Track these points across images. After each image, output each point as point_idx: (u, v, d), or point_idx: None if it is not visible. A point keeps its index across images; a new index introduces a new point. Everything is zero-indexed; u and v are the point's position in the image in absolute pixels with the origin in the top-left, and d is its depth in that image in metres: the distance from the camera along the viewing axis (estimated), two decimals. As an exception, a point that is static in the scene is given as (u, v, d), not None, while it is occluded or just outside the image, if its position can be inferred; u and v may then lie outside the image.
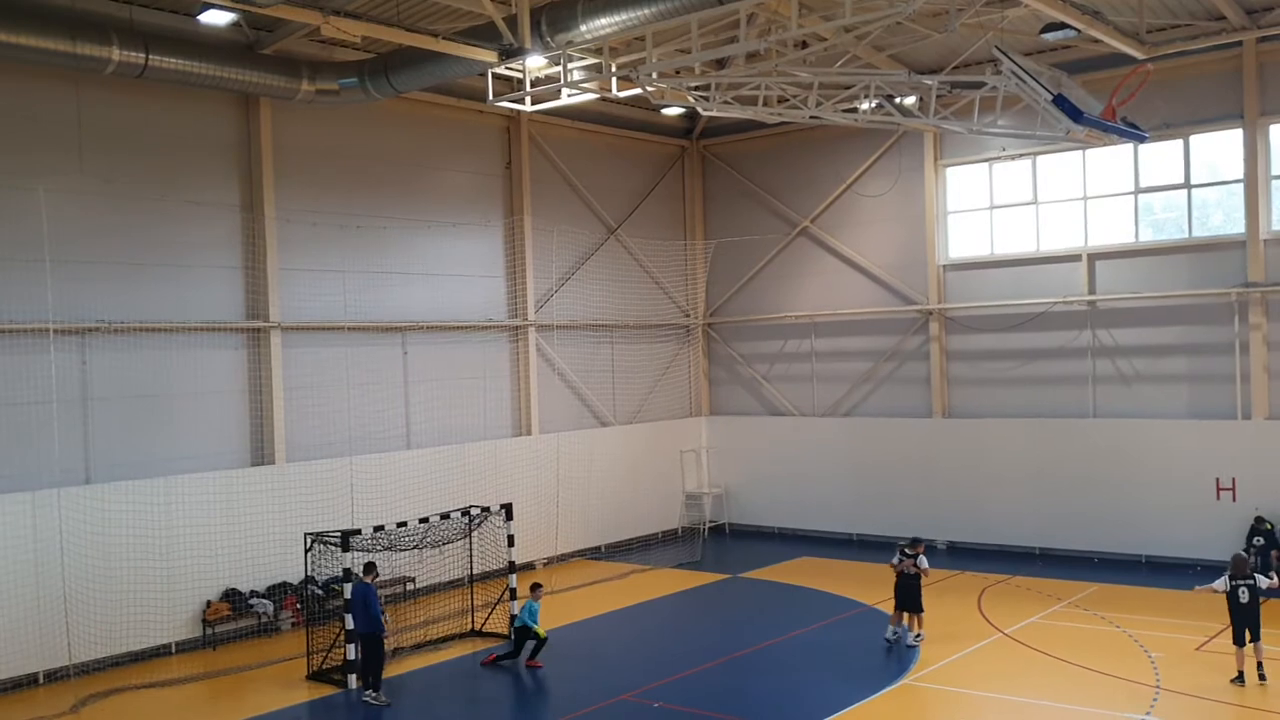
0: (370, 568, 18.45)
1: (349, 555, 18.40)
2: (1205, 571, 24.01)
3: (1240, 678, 16.85)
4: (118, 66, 18.93)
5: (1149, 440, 25.70)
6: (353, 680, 18.32)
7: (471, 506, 21.33)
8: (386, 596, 20.94)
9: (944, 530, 28.55)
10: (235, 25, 21.19)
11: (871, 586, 24.07)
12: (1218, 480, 24.80)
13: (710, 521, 32.03)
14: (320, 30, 18.81)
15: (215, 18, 20.34)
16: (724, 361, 33.30)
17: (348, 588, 18.31)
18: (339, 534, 18.68)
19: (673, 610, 23.50)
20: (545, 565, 27.53)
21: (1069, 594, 22.95)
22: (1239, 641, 16.94)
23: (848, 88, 21.65)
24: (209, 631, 21.16)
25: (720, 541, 30.79)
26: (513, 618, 20.17)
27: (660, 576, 26.52)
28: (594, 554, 29.09)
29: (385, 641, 18.47)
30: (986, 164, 28.35)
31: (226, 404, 22.32)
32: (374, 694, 17.80)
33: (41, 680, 18.94)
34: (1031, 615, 21.38)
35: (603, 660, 19.90)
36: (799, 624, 21.58)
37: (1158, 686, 16.92)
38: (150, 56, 19.16)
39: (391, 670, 19.34)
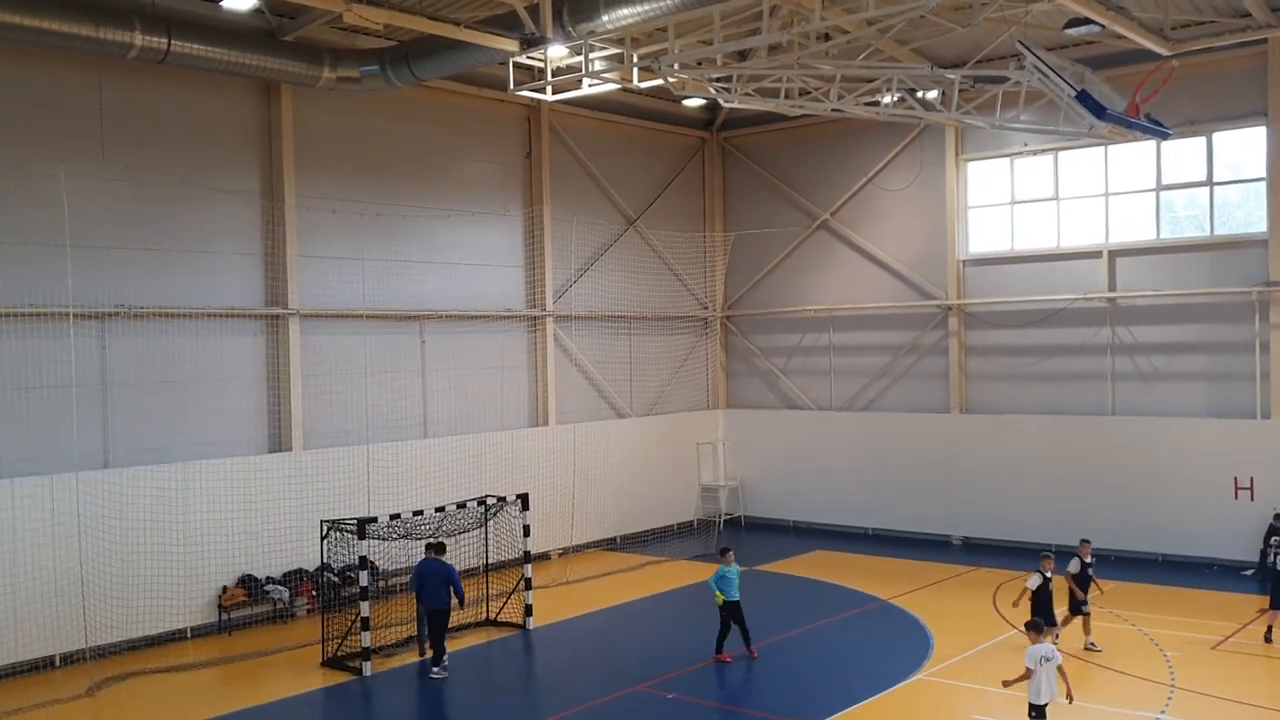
0: (437, 547, 18.98)
1: (365, 543, 18.45)
2: (1222, 571, 24.03)
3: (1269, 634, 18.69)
4: (140, 52, 18.97)
5: (1168, 438, 25.58)
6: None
7: (488, 496, 21.39)
8: (403, 585, 20.97)
9: (960, 526, 28.51)
10: (257, 11, 21.20)
11: (887, 581, 24.07)
12: (1236, 479, 24.66)
13: (726, 514, 32.02)
14: (342, 17, 18.81)
15: (237, 3, 20.33)
16: (741, 354, 33.26)
17: (364, 575, 18.43)
18: (355, 521, 18.72)
19: (688, 602, 23.46)
20: (561, 555, 27.58)
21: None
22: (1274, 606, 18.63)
23: (870, 81, 21.57)
24: (224, 617, 21.26)
25: (736, 534, 30.75)
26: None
27: (675, 568, 26.52)
28: (609, 545, 29.10)
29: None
30: (1008, 159, 28.23)
31: (244, 390, 22.39)
32: (437, 668, 18.35)
33: (58, 663, 19.05)
34: (1047, 612, 21.31)
35: (618, 651, 19.93)
36: (813, 618, 21.56)
37: (1173, 685, 16.85)
38: (172, 42, 19.20)
39: (405, 659, 19.47)
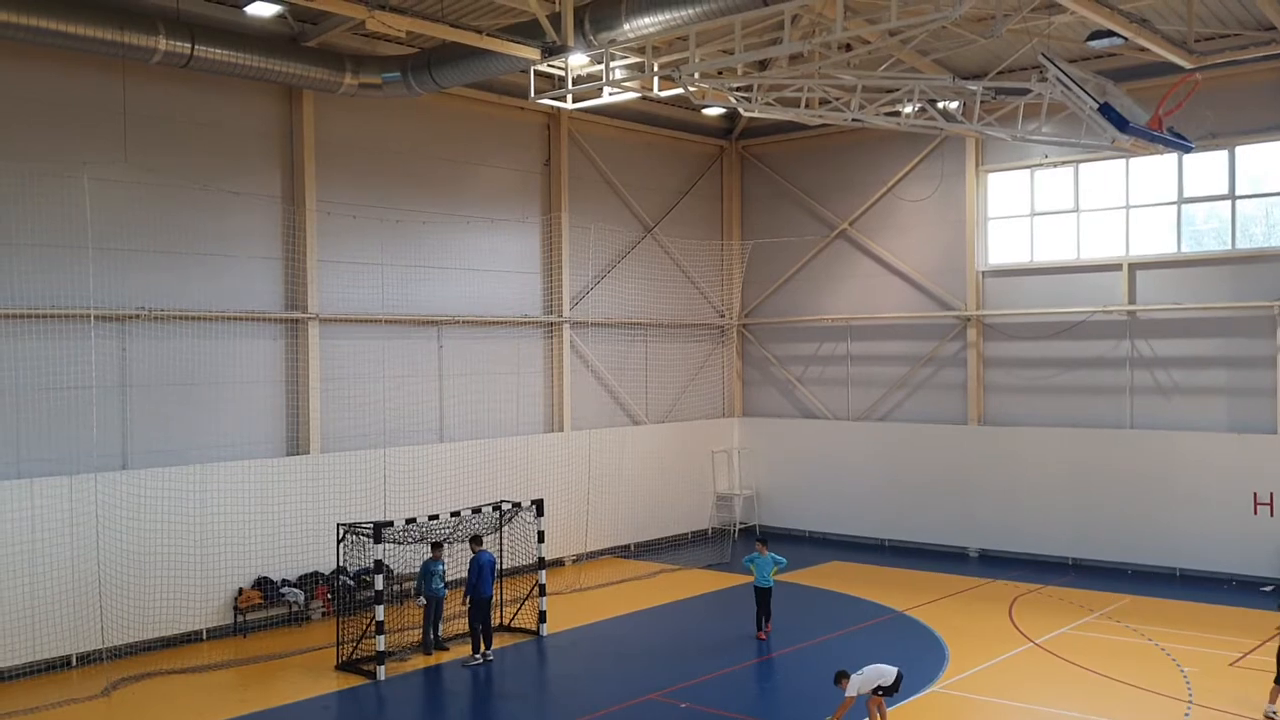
0: (477, 539, 19.88)
1: (380, 546, 18.51)
2: (1240, 587, 23.89)
3: None
4: (164, 56, 19.08)
5: (1186, 453, 25.45)
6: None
7: (503, 501, 21.40)
8: (412, 589, 21.04)
9: (976, 538, 28.41)
10: (280, 17, 21.31)
11: (902, 592, 24.01)
12: (1255, 495, 24.51)
13: (741, 523, 31.98)
14: (365, 24, 18.85)
15: (261, 9, 20.46)
16: (758, 363, 33.23)
17: (379, 579, 18.49)
18: (371, 525, 18.79)
19: (701, 611, 23.47)
20: (575, 562, 27.59)
21: (1101, 605, 22.77)
22: None
23: (891, 91, 21.55)
24: (240, 619, 21.32)
25: (750, 543, 30.62)
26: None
27: (689, 577, 26.51)
28: (623, 552, 29.10)
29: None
30: (1028, 170, 28.16)
31: (263, 393, 22.47)
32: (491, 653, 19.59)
33: (74, 663, 19.13)
34: (1063, 625, 21.23)
35: (630, 659, 19.91)
36: (828, 628, 21.50)
37: (1190, 701, 16.76)
38: (196, 47, 19.30)
39: (420, 664, 19.52)
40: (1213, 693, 17.08)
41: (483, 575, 19.54)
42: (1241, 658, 18.93)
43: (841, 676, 15.16)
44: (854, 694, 14.91)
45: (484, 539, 20.12)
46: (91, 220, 19.43)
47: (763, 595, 20.98)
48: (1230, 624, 21.09)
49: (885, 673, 15.09)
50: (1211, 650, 19.41)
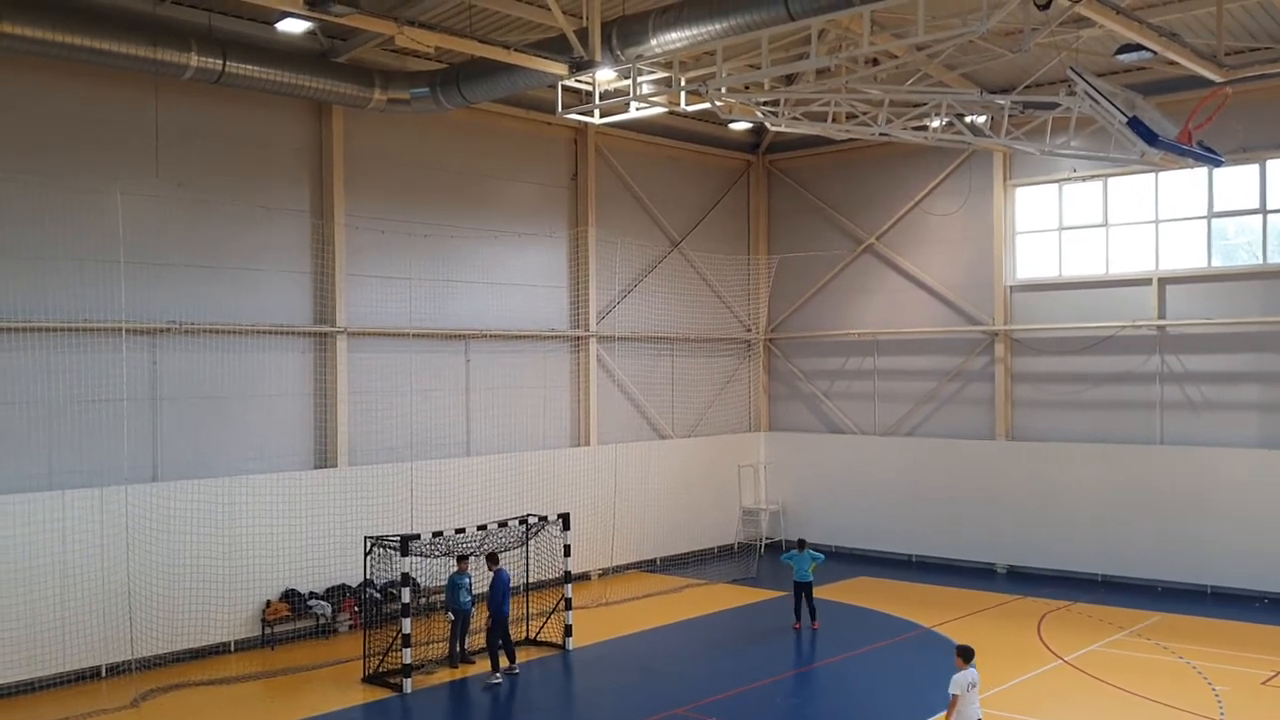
0: (494, 557, 19.79)
1: (407, 559, 18.56)
2: (1272, 605, 23.64)
3: None
4: (196, 72, 19.28)
5: (1217, 469, 25.23)
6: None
7: (529, 515, 21.43)
8: (440, 603, 21.13)
9: (1005, 554, 28.24)
10: (311, 34, 21.49)
11: (930, 609, 23.88)
12: (1287, 512, 24.33)
13: (767, 538, 31.90)
14: (394, 40, 19.01)
15: (292, 26, 20.63)
16: (784, 377, 33.17)
17: (406, 592, 18.52)
18: (398, 538, 18.84)
19: (727, 626, 23.42)
20: (600, 576, 27.58)
21: (1131, 622, 22.59)
22: None
23: (918, 105, 21.53)
24: (268, 631, 21.40)
25: (776, 558, 30.58)
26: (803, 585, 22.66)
27: (715, 591, 26.46)
28: (649, 567, 29.07)
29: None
30: (1056, 185, 28.05)
31: (291, 406, 22.60)
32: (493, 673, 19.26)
33: (104, 674, 19.25)
34: (1092, 643, 21.07)
35: (656, 674, 19.87)
36: (854, 644, 21.42)
37: (1222, 721, 16.63)
38: (227, 63, 19.50)
39: (445, 677, 19.54)
40: (1245, 711, 16.91)
41: (505, 595, 19.49)
42: (1274, 676, 18.75)
43: (964, 655, 14.21)
44: (955, 692, 13.95)
45: (500, 557, 19.98)
46: (123, 235, 19.61)
47: (801, 590, 22.48)
48: (1262, 642, 20.89)
49: (972, 714, 14.13)
50: (1243, 669, 19.23)
